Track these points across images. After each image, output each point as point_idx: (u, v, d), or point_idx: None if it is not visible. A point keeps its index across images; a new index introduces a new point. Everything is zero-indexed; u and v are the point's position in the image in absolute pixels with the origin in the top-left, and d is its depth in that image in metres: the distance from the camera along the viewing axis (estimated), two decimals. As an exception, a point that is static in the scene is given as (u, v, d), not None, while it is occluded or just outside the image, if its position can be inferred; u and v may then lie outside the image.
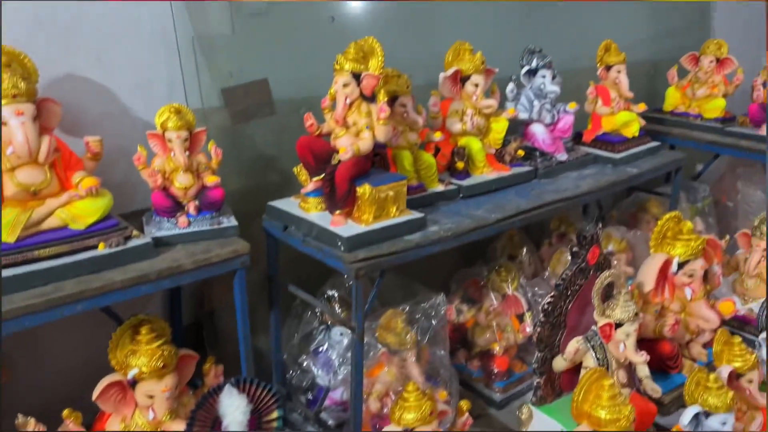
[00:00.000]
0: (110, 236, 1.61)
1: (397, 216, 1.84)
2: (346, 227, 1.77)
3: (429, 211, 2.05)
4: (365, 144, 1.76)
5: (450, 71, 2.27)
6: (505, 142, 2.44)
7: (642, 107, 2.79)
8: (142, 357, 1.58)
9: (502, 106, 2.45)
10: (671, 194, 2.93)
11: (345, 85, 1.77)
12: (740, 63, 3.18)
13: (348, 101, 1.78)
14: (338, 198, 1.77)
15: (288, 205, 1.93)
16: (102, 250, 1.59)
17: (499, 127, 2.38)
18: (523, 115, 2.52)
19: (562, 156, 2.56)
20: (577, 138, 2.82)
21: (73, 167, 1.63)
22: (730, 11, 4.24)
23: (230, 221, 1.82)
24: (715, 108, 3.22)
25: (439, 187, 2.18)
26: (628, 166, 2.64)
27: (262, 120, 2.13)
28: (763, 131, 3.03)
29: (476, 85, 2.31)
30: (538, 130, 2.51)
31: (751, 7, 4.41)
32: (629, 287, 2.24)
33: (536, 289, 2.53)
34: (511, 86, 2.49)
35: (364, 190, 1.74)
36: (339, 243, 1.73)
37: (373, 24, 2.40)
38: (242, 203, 2.05)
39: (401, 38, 2.45)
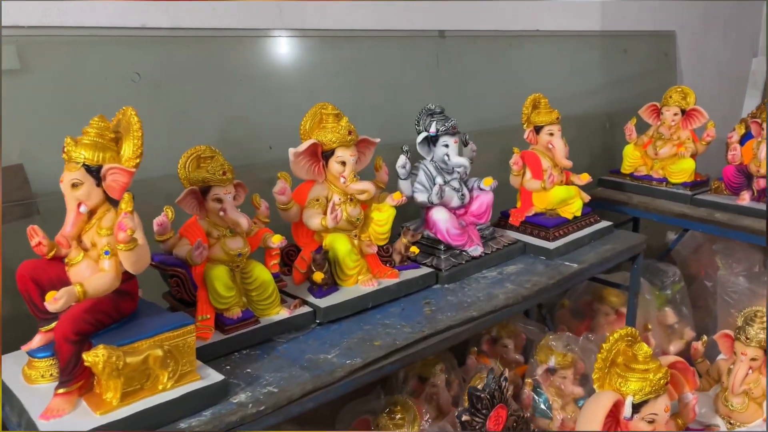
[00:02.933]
0: None
1: (172, 387, 1.16)
2: (72, 417, 1.09)
3: (255, 357, 1.38)
4: (98, 282, 1.09)
5: (304, 145, 1.63)
6: (395, 236, 1.79)
7: (585, 178, 2.15)
8: None
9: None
10: (629, 287, 2.27)
11: (75, 186, 1.12)
12: (711, 115, 2.58)
13: (84, 209, 1.13)
14: (61, 367, 1.10)
15: (12, 367, 1.24)
16: None
17: (383, 218, 1.73)
18: (421, 198, 1.87)
19: (476, 250, 1.91)
20: (505, 219, 2.17)
21: None
22: (696, 49, 3.67)
23: None
24: (682, 170, 2.60)
25: (282, 314, 1.51)
26: (566, 258, 1.99)
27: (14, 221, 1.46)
28: (742, 200, 2.41)
29: (343, 163, 1.66)
30: (440, 217, 1.85)
31: (720, 43, 3.85)
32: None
33: (446, 434, 1.85)
34: (402, 160, 1.85)
35: (96, 355, 1.05)
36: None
37: (193, 80, 1.76)
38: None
39: (227, 99, 1.83)
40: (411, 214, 1.99)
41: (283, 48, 1.92)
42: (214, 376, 1.22)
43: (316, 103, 1.68)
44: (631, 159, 2.77)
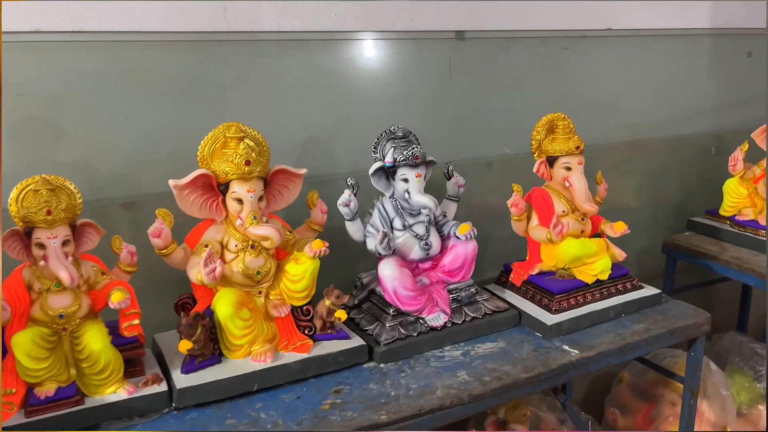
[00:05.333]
0: None
1: None
2: None
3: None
4: None
5: (189, 177, 1.30)
6: (318, 296, 1.39)
7: (619, 228, 1.59)
8: None
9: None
10: (684, 381, 1.65)
11: None
12: None
13: None
14: None
15: None
16: None
17: (298, 272, 1.34)
18: (371, 245, 1.45)
19: (437, 318, 1.45)
20: (507, 275, 1.67)
21: None
22: None
23: None
24: (800, 219, 1.90)
25: (120, 394, 1.18)
26: (568, 340, 1.45)
27: None
28: None
29: (240, 201, 1.31)
30: (386, 273, 1.41)
31: None
32: None
33: None
34: (345, 196, 1.44)
35: None
36: None
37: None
38: None
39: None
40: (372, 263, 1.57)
41: (224, 54, 1.60)
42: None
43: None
44: (734, 197, 2.10)
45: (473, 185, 1.93)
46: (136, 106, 1.51)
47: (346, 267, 1.66)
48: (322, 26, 1.70)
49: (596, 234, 1.64)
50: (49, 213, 1.13)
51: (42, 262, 1.14)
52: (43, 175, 1.18)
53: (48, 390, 1.13)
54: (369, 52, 1.78)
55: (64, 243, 1.16)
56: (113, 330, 1.22)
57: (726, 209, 2.14)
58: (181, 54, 1.55)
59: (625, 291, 1.59)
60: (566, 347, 1.42)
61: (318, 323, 1.38)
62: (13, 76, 1.39)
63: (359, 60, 1.77)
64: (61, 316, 1.15)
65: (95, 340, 1.16)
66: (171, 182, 1.29)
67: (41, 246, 1.14)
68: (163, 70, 1.53)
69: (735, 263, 1.94)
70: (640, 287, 1.62)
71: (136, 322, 1.22)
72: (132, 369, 1.25)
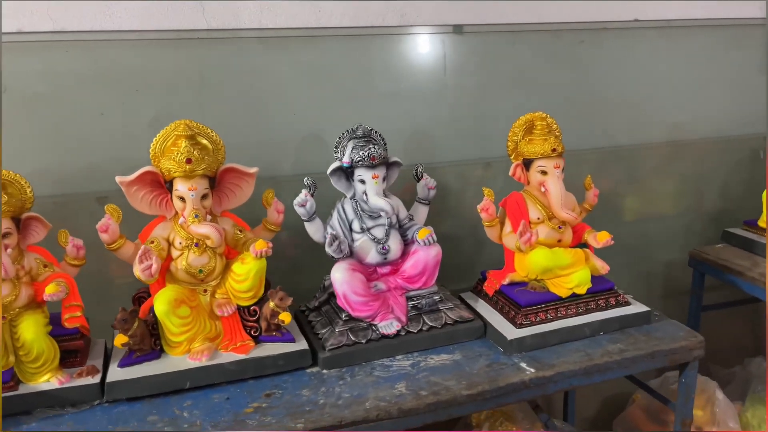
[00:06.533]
0: None
1: None
2: None
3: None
4: None
5: (135, 174, 1.32)
6: (264, 298, 1.38)
7: (602, 239, 1.45)
8: None
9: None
10: (675, 408, 1.50)
11: None
12: None
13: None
14: None
15: None
16: None
17: (243, 272, 1.33)
18: (329, 249, 1.41)
19: (389, 326, 1.39)
20: (480, 284, 1.59)
21: None
22: None
23: None
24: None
25: (51, 383, 1.22)
26: (527, 357, 1.35)
27: None
28: None
29: (182, 199, 1.31)
30: (336, 276, 1.38)
31: None
32: None
33: None
34: (301, 196, 1.41)
35: None
36: None
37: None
38: None
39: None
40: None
41: (203, 52, 1.61)
42: None
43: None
44: (775, 208, 1.89)
45: (471, 187, 1.85)
46: (111, 103, 1.55)
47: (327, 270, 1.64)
48: (305, 23, 1.67)
49: (581, 244, 1.51)
50: (-11, 206, 1.19)
51: (-18, 253, 1.20)
52: (-6, 171, 1.23)
53: (-18, 375, 1.19)
54: (356, 48, 1.73)
55: (4, 236, 1.20)
56: (57, 321, 1.26)
57: (765, 219, 1.92)
58: (158, 52, 1.57)
59: (607, 307, 1.46)
60: (523, 365, 1.32)
61: (263, 324, 1.37)
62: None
63: (345, 56, 1.73)
64: (-5, 305, 1.20)
65: (29, 329, 1.20)
66: (118, 179, 1.31)
67: (-17, 238, 1.20)
68: (138, 69, 1.56)
69: (762, 281, 1.74)
70: (626, 304, 1.48)
71: (78, 314, 1.26)
72: (73, 360, 1.29)
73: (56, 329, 1.26)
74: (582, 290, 1.43)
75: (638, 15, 2.00)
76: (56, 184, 1.55)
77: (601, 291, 1.46)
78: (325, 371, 1.34)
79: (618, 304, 1.47)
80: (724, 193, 2.21)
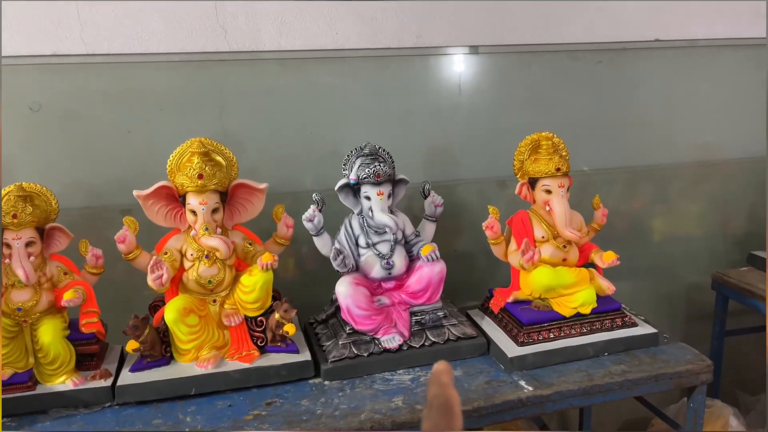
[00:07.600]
0: None
1: None
2: None
3: (15, 428, 1.21)
4: None
5: (151, 188, 1.39)
6: (271, 309, 1.43)
7: (608, 258, 1.45)
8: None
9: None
10: (685, 431, 1.47)
11: None
12: None
13: None
14: None
15: None
16: None
17: (250, 283, 1.39)
18: (334, 263, 1.46)
19: (391, 340, 1.42)
20: (487, 302, 1.60)
21: None
22: None
23: None
24: None
25: (66, 385, 1.29)
26: (527, 376, 1.35)
27: None
28: None
29: (194, 213, 1.38)
30: (341, 290, 1.41)
31: None
32: None
33: None
34: (309, 212, 1.46)
35: None
36: None
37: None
38: None
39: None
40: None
41: (224, 72, 1.69)
42: None
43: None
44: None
45: (485, 205, 1.87)
46: (137, 121, 1.64)
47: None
48: (323, 45, 1.73)
49: (588, 264, 1.51)
50: (14, 217, 1.27)
51: (7, 261, 1.28)
52: (19, 183, 1.32)
53: (3, 375, 1.26)
54: (373, 69, 1.78)
55: (28, 244, 1.29)
56: (76, 326, 1.34)
57: (791, 243, 1.87)
58: (182, 73, 1.66)
59: (613, 328, 1.45)
60: (522, 383, 1.33)
61: (269, 335, 1.41)
62: (31, 94, 1.58)
63: (361, 77, 1.78)
64: (19, 309, 1.28)
65: (47, 333, 1.28)
66: (135, 192, 1.39)
67: (9, 246, 1.28)
68: (163, 89, 1.65)
69: (779, 306, 1.70)
70: (633, 325, 1.47)
71: (95, 320, 1.33)
72: (89, 363, 1.36)
73: (74, 334, 1.34)
74: (586, 310, 1.43)
75: (659, 35, 2.00)
76: (85, 197, 1.64)
77: (607, 311, 1.46)
78: (326, 382, 1.37)
79: (624, 325, 1.46)
80: (751, 215, 2.16)
